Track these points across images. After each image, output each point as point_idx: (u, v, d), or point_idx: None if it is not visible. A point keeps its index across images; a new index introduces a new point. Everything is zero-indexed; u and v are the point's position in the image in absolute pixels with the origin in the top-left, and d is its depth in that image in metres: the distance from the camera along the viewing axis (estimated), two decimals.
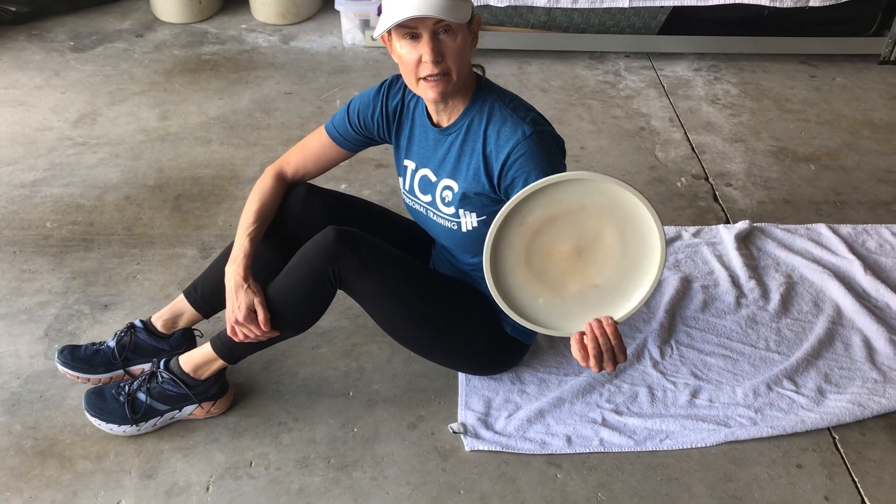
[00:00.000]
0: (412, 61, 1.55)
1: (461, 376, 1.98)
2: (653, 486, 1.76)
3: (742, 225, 2.49)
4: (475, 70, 1.70)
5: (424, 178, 1.79)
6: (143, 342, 1.95)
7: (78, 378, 1.92)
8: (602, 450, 1.83)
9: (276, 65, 3.40)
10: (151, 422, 1.83)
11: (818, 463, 1.82)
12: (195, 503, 1.70)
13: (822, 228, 2.53)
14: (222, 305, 1.93)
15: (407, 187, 1.84)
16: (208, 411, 1.86)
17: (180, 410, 1.84)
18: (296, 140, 2.89)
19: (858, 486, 1.77)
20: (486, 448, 1.83)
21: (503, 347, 1.90)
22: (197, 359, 1.82)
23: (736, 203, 2.65)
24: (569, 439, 1.86)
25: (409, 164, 1.82)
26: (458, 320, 1.84)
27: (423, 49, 1.53)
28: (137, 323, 1.96)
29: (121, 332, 1.95)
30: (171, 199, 2.59)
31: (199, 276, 1.96)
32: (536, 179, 1.43)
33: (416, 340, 1.88)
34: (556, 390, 1.96)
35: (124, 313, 2.16)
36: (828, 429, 1.90)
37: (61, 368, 1.91)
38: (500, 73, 3.38)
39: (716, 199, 2.67)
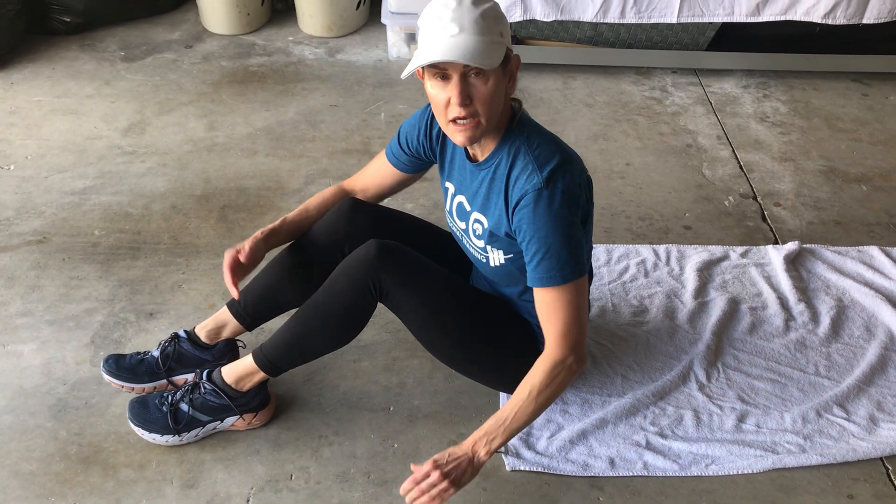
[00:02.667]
0: (441, 102, 1.54)
1: (503, 394, 1.96)
2: None
3: (791, 246, 2.44)
4: (512, 104, 1.66)
5: (461, 206, 1.79)
6: (186, 352, 1.96)
7: (122, 387, 1.94)
8: (646, 473, 1.80)
9: (322, 77, 3.42)
10: (193, 432, 1.84)
11: (870, 494, 1.77)
12: None
13: (874, 251, 2.47)
14: (265, 318, 1.96)
15: (447, 208, 1.86)
16: (249, 423, 1.87)
17: (222, 421, 1.85)
18: (340, 153, 2.91)
19: None
20: (527, 468, 1.80)
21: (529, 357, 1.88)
22: (239, 370, 1.83)
23: (785, 223, 2.60)
24: (612, 462, 1.83)
25: (450, 187, 1.82)
26: (495, 338, 1.83)
27: (452, 91, 1.51)
28: (181, 333, 1.98)
29: (165, 342, 1.97)
30: (217, 209, 2.61)
31: (243, 288, 1.97)
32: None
33: (453, 355, 1.87)
34: (600, 411, 1.94)
35: (169, 322, 2.18)
36: (881, 459, 1.84)
37: (106, 377, 1.93)
38: (546, 88, 3.36)
39: (764, 218, 2.62)
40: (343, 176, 2.76)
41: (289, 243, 1.95)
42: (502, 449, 1.83)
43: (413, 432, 1.89)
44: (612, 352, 2.11)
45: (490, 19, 1.49)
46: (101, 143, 2.93)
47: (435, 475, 1.57)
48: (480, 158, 1.68)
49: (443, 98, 1.53)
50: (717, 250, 2.45)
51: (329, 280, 1.77)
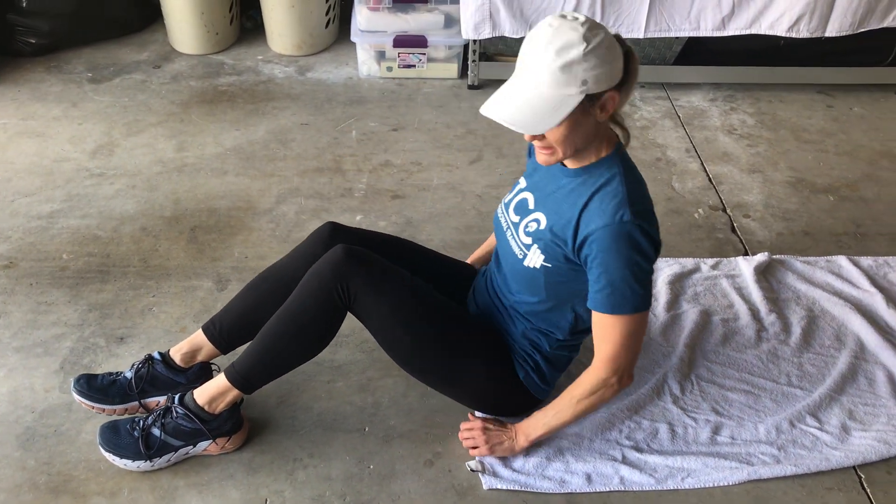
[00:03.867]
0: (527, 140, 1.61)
1: (478, 412, 1.95)
2: None
3: (761, 257, 2.46)
4: (616, 130, 1.67)
5: (524, 202, 1.78)
6: (160, 374, 1.93)
7: (93, 408, 1.90)
8: (623, 488, 1.80)
9: (293, 96, 3.41)
10: (165, 457, 1.81)
11: (844, 502, 1.78)
12: None
13: (842, 261, 2.50)
14: (241, 342, 1.94)
15: (506, 200, 1.85)
16: (223, 447, 1.84)
17: (195, 446, 1.82)
18: (312, 171, 2.90)
19: None
20: (504, 487, 1.80)
21: (510, 392, 1.88)
22: (211, 390, 1.80)
23: (754, 235, 2.62)
24: (588, 477, 1.82)
25: (522, 183, 1.83)
26: (466, 352, 1.82)
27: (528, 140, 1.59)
28: (156, 355, 1.95)
29: (138, 364, 1.94)
30: (188, 230, 2.59)
31: (220, 311, 1.96)
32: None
33: (418, 365, 1.86)
34: (576, 427, 1.93)
35: (140, 346, 2.15)
36: (853, 467, 1.86)
37: (77, 398, 1.90)
38: None
39: (734, 230, 2.64)
40: (314, 195, 2.76)
41: (260, 272, 1.97)
42: (478, 468, 1.83)
43: (389, 452, 1.87)
44: (587, 366, 2.10)
45: (571, 71, 1.46)
46: (69, 166, 2.90)
47: (477, 427, 1.84)
48: (570, 165, 1.67)
49: None
50: (688, 262, 2.47)
51: (297, 288, 1.76)
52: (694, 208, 2.74)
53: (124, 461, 1.79)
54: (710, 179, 2.91)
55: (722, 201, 2.79)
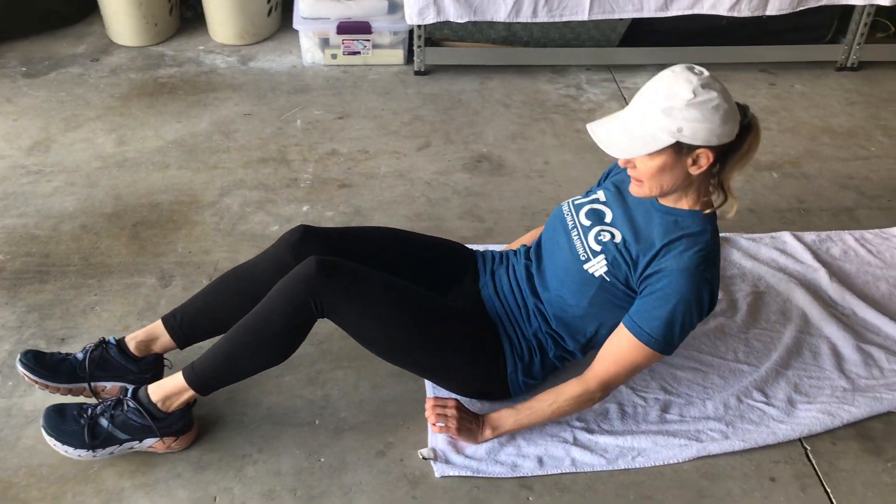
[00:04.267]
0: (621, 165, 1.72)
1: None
2: None
3: None
4: (719, 196, 1.73)
5: (600, 213, 1.83)
6: (112, 359, 1.88)
7: (37, 383, 1.83)
8: (574, 470, 1.80)
9: (235, 86, 3.35)
10: (109, 450, 1.74)
11: (791, 475, 1.81)
12: None
13: (786, 237, 2.53)
14: (199, 338, 1.91)
15: (577, 202, 1.89)
16: (169, 446, 1.80)
17: (140, 442, 1.77)
18: (256, 162, 2.85)
19: (831, 496, 1.76)
20: (456, 473, 1.79)
21: (487, 384, 1.90)
22: (167, 389, 1.75)
23: None
24: (540, 461, 1.83)
25: (600, 196, 1.87)
26: (449, 344, 1.83)
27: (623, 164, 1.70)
28: (111, 340, 1.90)
29: (91, 347, 1.88)
30: (129, 226, 2.53)
31: (181, 304, 1.92)
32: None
33: (403, 360, 1.86)
34: None
35: (81, 346, 2.09)
36: (799, 440, 1.89)
37: (21, 370, 1.83)
38: (463, 90, 3.36)
39: None
40: (259, 186, 2.72)
41: (228, 270, 1.93)
42: (430, 455, 1.82)
43: (339, 445, 1.85)
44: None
45: (671, 115, 1.55)
46: (4, 164, 2.81)
47: (451, 404, 1.81)
48: (661, 201, 1.73)
49: None
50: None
51: (266, 299, 1.73)
52: None
53: (65, 447, 1.72)
54: None
55: None
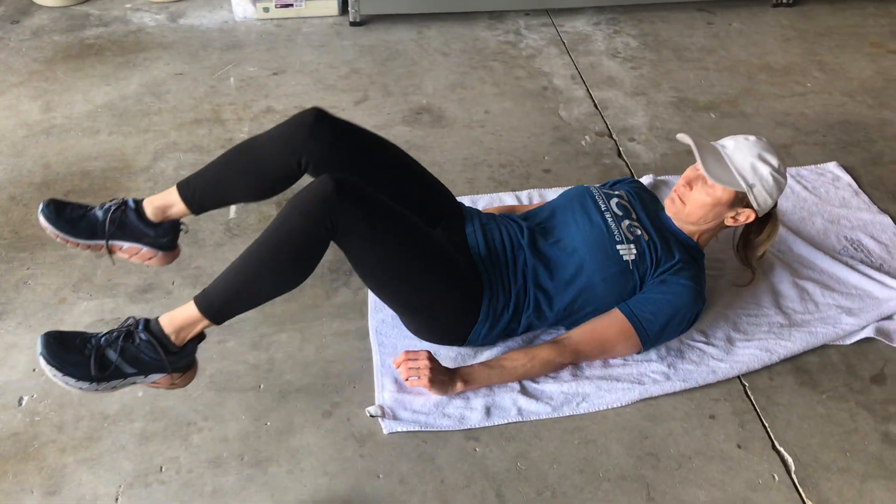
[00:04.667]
0: (680, 180, 1.96)
1: (375, 357, 1.95)
2: (570, 450, 1.76)
3: (647, 179, 2.50)
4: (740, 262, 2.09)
5: (627, 209, 1.97)
6: (131, 222, 1.86)
7: (57, 237, 1.83)
8: (521, 419, 1.83)
9: (165, 45, 3.25)
10: (112, 383, 1.62)
11: (730, 412, 1.85)
12: None
13: None
14: (212, 207, 1.90)
15: (605, 191, 2.02)
16: (173, 382, 1.71)
17: (146, 377, 1.66)
18: (189, 124, 2.78)
19: (769, 430, 1.81)
20: (404, 429, 1.80)
21: (456, 327, 1.90)
22: (180, 319, 1.66)
23: (640, 158, 2.66)
24: (488, 411, 1.84)
25: (623, 195, 2.03)
26: (442, 287, 1.82)
27: (686, 177, 1.93)
28: (130, 202, 1.88)
29: (111, 206, 1.86)
30: (60, 196, 2.45)
31: (196, 172, 1.90)
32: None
33: (393, 295, 1.85)
34: (472, 361, 1.94)
35: (16, 322, 2.05)
36: (738, 377, 1.93)
37: (43, 222, 1.82)
38: (400, 39, 3.30)
39: (620, 155, 2.67)
40: (193, 148, 2.66)
41: (243, 141, 1.90)
42: (378, 413, 1.82)
43: (286, 408, 1.85)
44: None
45: (757, 170, 1.84)
46: None
47: (422, 356, 1.82)
48: (679, 225, 1.97)
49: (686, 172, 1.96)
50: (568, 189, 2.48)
51: (278, 217, 1.67)
52: (581, 136, 2.75)
53: (66, 378, 1.59)
54: (595, 105, 2.92)
55: (608, 127, 2.81)
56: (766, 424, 1.82)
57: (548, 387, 1.90)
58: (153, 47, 3.23)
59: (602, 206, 1.96)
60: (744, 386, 1.91)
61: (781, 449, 1.77)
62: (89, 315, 2.06)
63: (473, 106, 2.91)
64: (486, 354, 1.94)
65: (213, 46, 3.24)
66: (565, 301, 1.90)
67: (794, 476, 1.71)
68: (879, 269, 2.23)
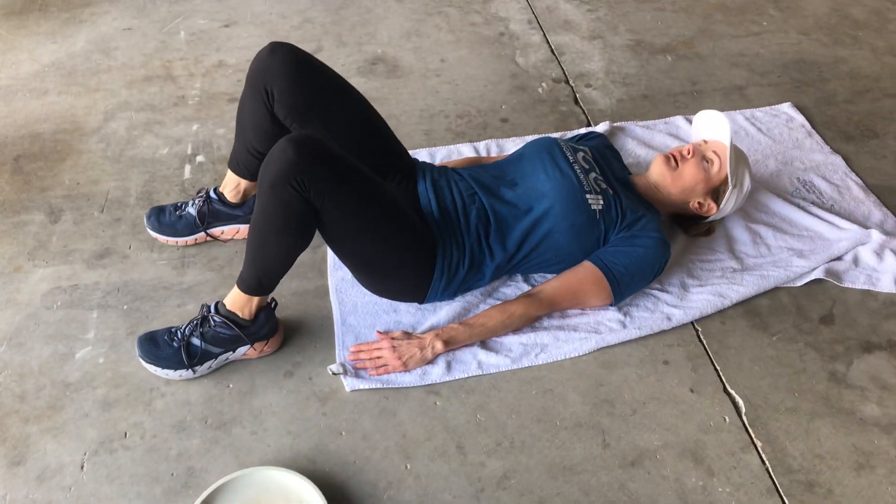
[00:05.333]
0: (683, 146, 2.07)
1: (336, 315, 1.96)
2: (528, 400, 1.80)
3: (603, 126, 2.50)
4: (692, 224, 2.16)
5: (591, 164, 2.01)
6: (218, 210, 2.10)
7: (167, 241, 2.12)
8: (481, 372, 1.86)
9: None
10: (206, 364, 1.83)
11: (683, 357, 1.90)
12: (70, 483, 1.65)
13: (679, 121, 2.57)
14: (257, 165, 1.94)
15: (570, 144, 2.05)
16: (261, 351, 1.87)
17: (234, 352, 1.84)
18: (140, 81, 2.72)
19: (720, 374, 1.86)
20: (366, 386, 1.83)
21: (415, 285, 1.92)
22: (234, 299, 1.81)
23: (596, 104, 2.66)
24: (448, 366, 1.87)
25: (587, 151, 2.05)
26: (400, 245, 1.83)
27: (691, 147, 2.04)
28: (212, 194, 2.11)
29: (198, 201, 2.10)
30: (10, 161, 2.41)
31: (232, 147, 2.05)
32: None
33: (351, 253, 1.85)
34: (433, 317, 1.97)
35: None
36: (692, 323, 1.97)
37: (151, 233, 2.12)
38: None
39: (577, 101, 2.67)
40: (145, 107, 2.61)
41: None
42: (340, 370, 1.85)
43: (248, 369, 1.87)
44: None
45: (740, 182, 2.04)
46: None
47: (385, 346, 1.85)
48: (644, 188, 2.07)
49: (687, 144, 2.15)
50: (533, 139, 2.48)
51: (258, 193, 1.69)
52: (538, 83, 2.74)
53: (166, 371, 1.82)
54: (552, 51, 2.90)
55: (564, 73, 2.80)
56: (718, 368, 1.88)
57: (507, 339, 1.93)
58: (99, 1, 3.14)
59: (569, 157, 1.99)
60: (697, 331, 1.96)
61: (732, 392, 1.83)
62: (46, 283, 2.05)
63: (429, 55, 2.88)
64: (447, 309, 1.97)
65: None
66: (529, 246, 1.93)
67: (744, 417, 1.77)
68: (830, 209, 2.27)
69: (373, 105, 2.00)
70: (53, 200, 2.28)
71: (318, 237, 1.78)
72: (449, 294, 1.96)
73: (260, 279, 1.78)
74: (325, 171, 1.65)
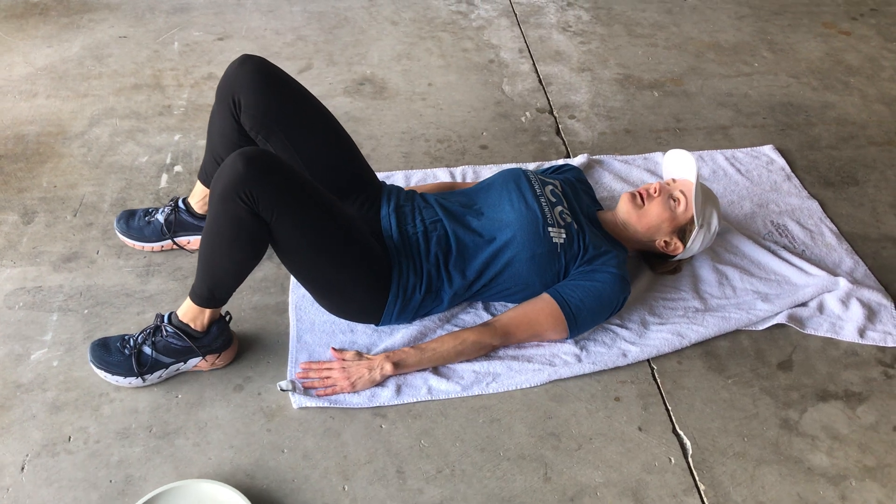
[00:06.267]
0: (650, 184, 2.07)
1: (292, 332, 1.97)
2: (475, 428, 1.80)
3: (581, 158, 2.51)
4: (656, 261, 2.16)
5: (559, 197, 2.01)
6: (185, 220, 2.13)
7: (133, 245, 2.15)
8: (430, 398, 1.85)
9: (112, 6, 3.21)
10: (157, 374, 1.84)
11: (635, 394, 1.89)
12: (8, 485, 1.66)
13: (658, 157, 2.57)
14: None
15: (540, 177, 2.06)
16: (213, 363, 1.87)
17: (185, 363, 1.85)
18: (129, 89, 2.76)
19: (671, 413, 1.85)
20: (314, 404, 1.82)
21: (367, 306, 1.92)
22: (187, 311, 1.81)
23: (577, 136, 2.66)
24: (398, 389, 1.87)
25: (557, 185, 2.06)
26: (352, 263, 1.83)
27: (658, 185, 2.03)
28: (181, 204, 2.14)
29: (167, 210, 2.13)
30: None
31: (203, 157, 2.08)
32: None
33: (307, 272, 1.84)
34: (388, 340, 1.97)
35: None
36: (647, 360, 1.96)
37: (119, 235, 2.14)
38: (350, 6, 3.28)
39: (558, 132, 2.68)
40: (130, 115, 2.64)
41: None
42: (289, 387, 1.85)
43: (199, 381, 1.87)
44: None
45: (704, 212, 2.03)
46: None
47: (335, 367, 1.86)
48: (614, 226, 2.07)
49: (652, 182, 2.10)
50: (510, 168, 2.49)
51: (210, 206, 1.70)
52: (522, 111, 2.75)
53: (116, 378, 1.82)
54: (540, 81, 2.91)
55: (549, 103, 2.81)
56: (669, 408, 1.86)
57: (459, 366, 1.92)
58: (99, 8, 3.19)
59: (536, 189, 2.00)
60: (652, 369, 1.95)
61: (681, 432, 1.81)
62: (11, 283, 2.07)
63: (417, 78, 2.90)
64: (403, 332, 1.97)
65: (161, 9, 3.20)
66: (489, 274, 1.93)
67: (689, 459, 1.76)
68: (801, 255, 2.26)
69: (355, 125, 2.04)
70: (29, 202, 2.31)
71: None
72: (406, 318, 1.96)
73: (211, 291, 1.79)
74: (274, 186, 1.65)
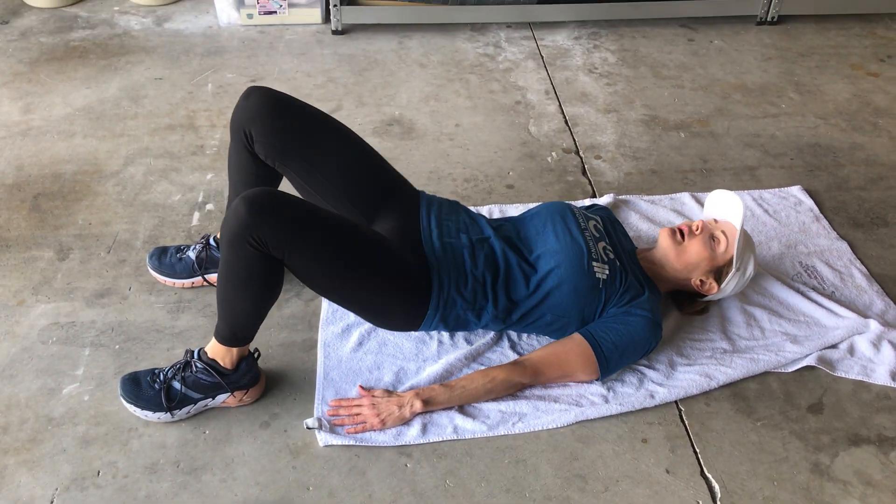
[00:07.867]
0: (692, 221, 2.09)
1: (319, 369, 1.98)
2: (500, 469, 1.79)
3: (607, 198, 2.52)
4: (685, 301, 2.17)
5: (601, 233, 2.03)
6: (216, 258, 2.15)
7: (165, 281, 2.19)
8: (456, 437, 1.85)
9: (148, 49, 3.30)
10: (185, 409, 1.86)
11: (662, 436, 1.87)
12: None
13: (685, 197, 2.57)
14: None
15: (583, 212, 2.08)
16: (240, 400, 1.89)
17: (214, 398, 1.87)
18: (163, 129, 2.82)
19: (699, 456, 1.83)
20: (340, 442, 1.83)
21: (406, 316, 1.92)
22: (215, 349, 1.84)
23: (604, 176, 2.68)
24: (424, 428, 1.87)
25: (598, 221, 2.09)
26: (385, 281, 1.84)
27: (700, 223, 2.04)
28: (212, 241, 2.17)
29: (198, 247, 2.17)
30: (30, 198, 2.51)
31: (227, 195, 2.14)
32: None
33: (339, 296, 1.85)
34: (414, 378, 1.97)
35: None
36: (675, 402, 1.95)
37: (151, 272, 2.19)
38: (380, 49, 3.34)
39: (584, 172, 2.69)
40: (164, 154, 2.70)
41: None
42: (315, 425, 1.86)
43: (226, 417, 1.89)
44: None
45: (744, 256, 2.03)
46: None
47: (365, 403, 1.87)
48: (650, 269, 2.06)
49: (696, 221, 2.09)
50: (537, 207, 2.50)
51: (220, 249, 1.74)
52: (548, 152, 2.78)
53: (145, 412, 1.84)
54: (566, 121, 2.94)
55: (575, 143, 2.83)
56: (698, 450, 1.84)
57: (485, 405, 1.92)
58: (136, 51, 3.28)
59: (581, 223, 2.01)
60: (679, 410, 1.93)
61: (710, 475, 1.79)
62: (45, 318, 2.11)
63: (445, 119, 2.94)
64: (428, 371, 1.97)
65: (195, 52, 3.28)
66: (531, 302, 1.93)
67: (718, 503, 1.73)
68: (830, 296, 2.24)
69: None
70: (64, 239, 2.36)
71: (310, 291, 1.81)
72: (443, 327, 1.96)
73: (233, 331, 1.80)
74: (280, 224, 1.65)
